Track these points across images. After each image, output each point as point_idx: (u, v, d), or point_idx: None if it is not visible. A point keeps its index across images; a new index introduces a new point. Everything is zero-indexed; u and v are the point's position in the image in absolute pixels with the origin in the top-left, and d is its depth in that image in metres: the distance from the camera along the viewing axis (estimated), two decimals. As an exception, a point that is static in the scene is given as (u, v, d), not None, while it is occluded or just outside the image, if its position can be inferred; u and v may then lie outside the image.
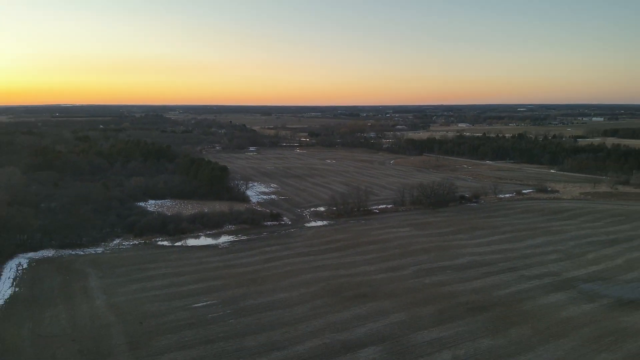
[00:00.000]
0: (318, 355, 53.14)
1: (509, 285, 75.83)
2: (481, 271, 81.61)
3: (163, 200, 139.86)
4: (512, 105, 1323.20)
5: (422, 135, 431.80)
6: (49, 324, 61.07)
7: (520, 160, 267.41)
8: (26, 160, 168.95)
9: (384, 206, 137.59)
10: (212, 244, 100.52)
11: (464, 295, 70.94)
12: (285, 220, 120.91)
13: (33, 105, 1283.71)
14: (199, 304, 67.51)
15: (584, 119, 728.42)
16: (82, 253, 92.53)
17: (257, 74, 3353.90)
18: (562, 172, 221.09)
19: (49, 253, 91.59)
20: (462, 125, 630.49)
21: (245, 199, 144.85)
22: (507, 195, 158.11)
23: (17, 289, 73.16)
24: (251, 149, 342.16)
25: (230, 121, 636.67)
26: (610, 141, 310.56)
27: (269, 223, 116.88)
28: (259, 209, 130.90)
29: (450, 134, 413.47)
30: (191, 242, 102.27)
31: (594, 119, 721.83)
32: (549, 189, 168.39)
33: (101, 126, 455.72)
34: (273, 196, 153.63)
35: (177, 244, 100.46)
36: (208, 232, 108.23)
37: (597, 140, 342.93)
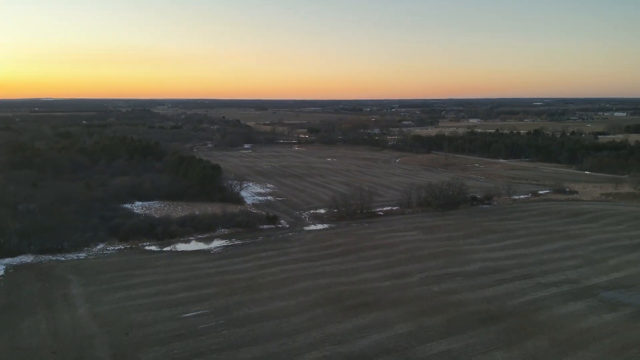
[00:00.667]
0: (318, 368, 52.98)
1: (524, 293, 75.89)
2: (494, 278, 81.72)
3: (150, 202, 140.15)
4: (527, 99, 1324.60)
5: (430, 131, 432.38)
6: (27, 334, 60.97)
7: (536, 158, 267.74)
8: (3, 158, 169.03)
9: (389, 208, 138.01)
10: (204, 249, 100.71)
11: (475, 304, 70.96)
12: (283, 223, 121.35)
13: (10, 99, 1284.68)
14: (189, 314, 67.51)
15: (604, 114, 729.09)
16: (63, 258, 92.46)
17: (251, 65, 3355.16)
18: (581, 172, 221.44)
19: (27, 258, 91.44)
20: (473, 120, 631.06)
21: (239, 200, 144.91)
22: (522, 196, 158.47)
23: (-8, 297, 72.98)
24: (245, 146, 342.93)
25: (223, 116, 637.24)
26: (633, 138, 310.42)
27: (264, 226, 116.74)
28: (254, 211, 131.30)
29: (461, 130, 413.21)
30: (181, 246, 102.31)
31: (616, 114, 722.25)
32: (567, 189, 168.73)
33: (84, 122, 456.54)
34: (269, 197, 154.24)
35: (165, 248, 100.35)
36: (199, 236, 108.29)
37: (619, 137, 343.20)
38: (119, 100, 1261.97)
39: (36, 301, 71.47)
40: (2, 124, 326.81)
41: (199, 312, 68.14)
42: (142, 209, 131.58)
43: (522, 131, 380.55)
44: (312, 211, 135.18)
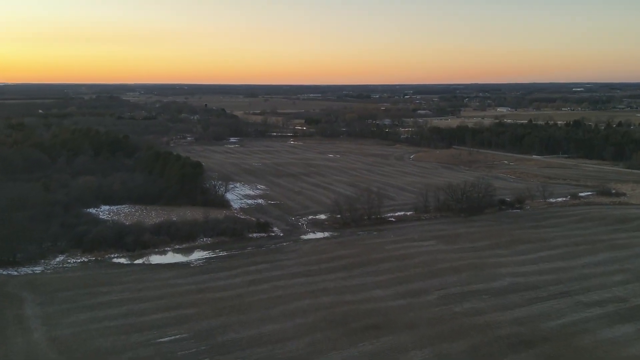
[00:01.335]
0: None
1: (561, 314, 76.00)
2: (526, 296, 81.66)
3: (120, 206, 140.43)
4: (565, 84, 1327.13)
5: (450, 122, 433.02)
6: (-27, 363, 61.11)
7: (576, 154, 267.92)
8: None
9: (402, 213, 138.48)
10: (183, 262, 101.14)
11: (504, 327, 71.09)
12: (276, 231, 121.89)
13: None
14: (166, 339, 67.59)
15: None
16: (16, 273, 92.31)
17: (239, 44, 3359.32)
18: (629, 170, 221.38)
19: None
20: (501, 109, 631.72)
21: (224, 204, 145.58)
22: (560, 199, 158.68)
23: None
24: (232, 140, 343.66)
25: (206, 104, 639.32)
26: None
27: (255, 235, 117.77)
28: (243, 216, 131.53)
29: (487, 121, 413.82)
30: (155, 259, 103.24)
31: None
32: (613, 191, 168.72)
33: (40, 111, 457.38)
34: (260, 200, 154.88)
35: (137, 261, 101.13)
36: (177, 247, 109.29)
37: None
38: (81, 86, 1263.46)
39: (-16, 324, 71.39)
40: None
41: (177, 336, 68.16)
42: (109, 214, 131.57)
43: (559, 122, 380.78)
44: (310, 217, 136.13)
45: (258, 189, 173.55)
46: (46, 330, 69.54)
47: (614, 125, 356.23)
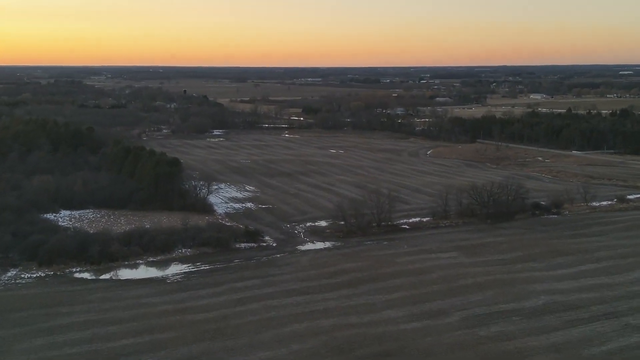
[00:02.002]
0: None
1: (607, 339, 75.81)
2: (565, 318, 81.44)
3: (82, 211, 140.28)
4: (610, 67, 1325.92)
5: (474, 111, 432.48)
6: None
7: (623, 149, 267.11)
8: None
9: (418, 220, 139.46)
10: (157, 277, 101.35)
11: (538, 355, 70.90)
12: (268, 240, 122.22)
13: None
14: (138, 368, 67.41)
15: None
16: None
17: (224, 20, 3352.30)
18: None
19: None
20: (535, 96, 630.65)
21: (207, 208, 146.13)
22: (604, 202, 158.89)
23: None
24: (216, 132, 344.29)
25: (184, 91, 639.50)
26: None
27: (243, 245, 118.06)
28: (228, 223, 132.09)
29: (518, 110, 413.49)
30: (125, 273, 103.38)
31: None
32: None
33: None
34: (249, 204, 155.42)
35: (103, 276, 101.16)
36: (151, 259, 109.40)
37: None
38: (36, 68, 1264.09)
39: None
40: None
41: (151, 365, 68.01)
42: (70, 220, 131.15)
43: (603, 111, 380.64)
44: (309, 224, 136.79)
45: (247, 190, 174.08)
46: (-5, 358, 69.25)
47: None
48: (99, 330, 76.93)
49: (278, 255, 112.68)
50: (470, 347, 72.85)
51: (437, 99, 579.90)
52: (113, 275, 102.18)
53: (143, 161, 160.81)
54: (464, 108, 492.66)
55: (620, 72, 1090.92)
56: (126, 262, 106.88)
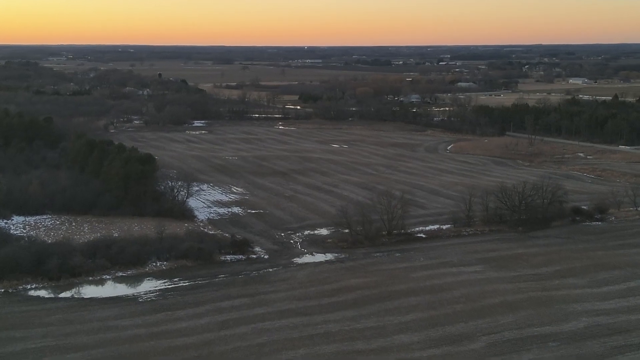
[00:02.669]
0: None
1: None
2: (611, 343, 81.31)
3: (39, 217, 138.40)
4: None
5: (503, 99, 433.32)
6: None
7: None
8: None
9: (436, 227, 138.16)
10: (128, 295, 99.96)
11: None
12: (259, 252, 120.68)
13: None
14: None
15: None
16: None
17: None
18: None
19: None
20: (575, 81, 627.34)
21: (186, 214, 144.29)
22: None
23: None
24: (197, 124, 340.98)
25: (160, 74, 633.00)
26: None
27: (228, 257, 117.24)
28: (212, 232, 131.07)
29: (555, 98, 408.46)
30: (89, 291, 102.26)
31: None
32: None
33: None
34: (236, 209, 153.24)
35: (64, 294, 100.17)
36: (120, 274, 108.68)
37: None
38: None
39: None
40: None
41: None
42: (24, 228, 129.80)
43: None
44: (307, 232, 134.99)
45: (233, 192, 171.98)
46: None
47: None
48: (58, 358, 77.09)
49: (270, 270, 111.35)
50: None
51: (459, 84, 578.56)
52: (75, 293, 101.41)
53: (110, 158, 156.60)
54: (490, 95, 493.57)
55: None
56: (90, 278, 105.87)
